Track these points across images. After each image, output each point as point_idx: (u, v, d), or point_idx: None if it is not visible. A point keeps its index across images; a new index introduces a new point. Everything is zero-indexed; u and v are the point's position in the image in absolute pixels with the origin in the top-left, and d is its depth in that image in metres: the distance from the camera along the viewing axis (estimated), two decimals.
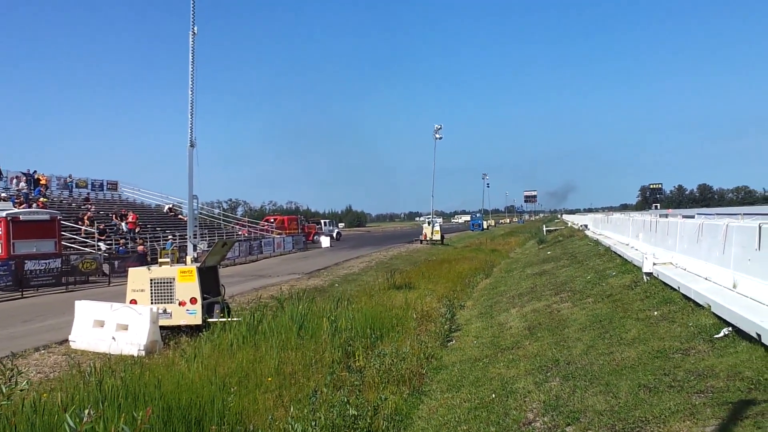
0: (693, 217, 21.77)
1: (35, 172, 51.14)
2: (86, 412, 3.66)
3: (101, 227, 43.70)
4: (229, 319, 17.90)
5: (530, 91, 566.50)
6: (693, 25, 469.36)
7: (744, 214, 22.86)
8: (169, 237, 46.58)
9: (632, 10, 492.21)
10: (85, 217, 44.66)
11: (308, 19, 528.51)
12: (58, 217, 36.60)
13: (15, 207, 38.27)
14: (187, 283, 18.42)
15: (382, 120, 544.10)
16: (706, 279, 13.88)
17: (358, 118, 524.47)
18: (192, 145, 20.28)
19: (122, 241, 42.52)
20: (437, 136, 68.57)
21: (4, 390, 4.13)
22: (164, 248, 38.25)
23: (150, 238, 46.60)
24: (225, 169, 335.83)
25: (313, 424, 8.72)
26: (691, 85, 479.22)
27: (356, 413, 9.28)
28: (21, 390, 4.41)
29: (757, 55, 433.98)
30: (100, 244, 40.88)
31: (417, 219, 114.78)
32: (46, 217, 35.68)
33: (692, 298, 12.64)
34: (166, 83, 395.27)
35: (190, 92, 20.40)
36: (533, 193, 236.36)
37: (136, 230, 44.39)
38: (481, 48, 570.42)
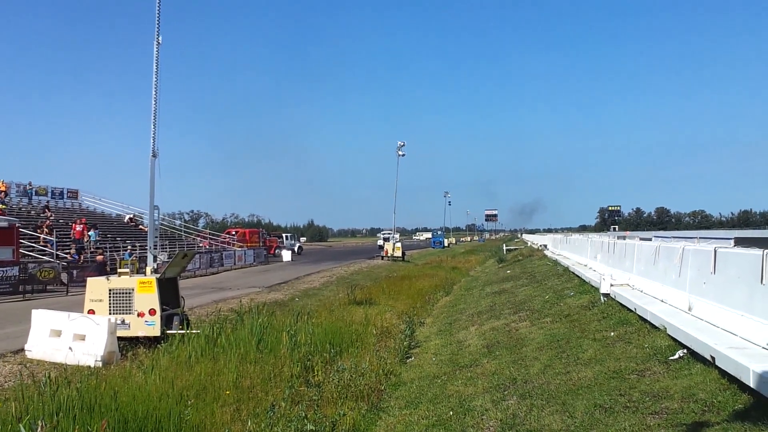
0: (650, 239, 22.07)
1: None
2: (39, 422, 3.66)
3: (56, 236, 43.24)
4: (188, 332, 17.78)
5: (491, 112, 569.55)
6: (652, 52, 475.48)
7: (700, 237, 23.23)
8: (129, 247, 46.18)
9: (593, 36, 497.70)
10: (44, 226, 44.16)
11: (273, 30, 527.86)
12: (17, 225, 36.19)
13: None
14: (146, 294, 18.28)
15: (345, 135, 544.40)
16: (662, 301, 14.06)
17: (321, 132, 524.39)
18: (154, 156, 20.17)
19: (71, 251, 41.86)
20: (400, 153, 68.85)
21: None
22: (123, 258, 37.95)
23: (110, 248, 46.18)
24: (187, 180, 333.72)
25: None
26: (649, 110, 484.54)
27: (314, 428, 9.29)
28: None
29: (715, 82, 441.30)
30: (59, 252, 40.48)
31: (378, 234, 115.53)
32: (5, 224, 35.26)
33: (648, 319, 12.81)
34: (130, 92, 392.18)
35: (154, 102, 20.31)
36: (494, 212, 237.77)
37: (84, 240, 43.52)
38: (445, 67, 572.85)
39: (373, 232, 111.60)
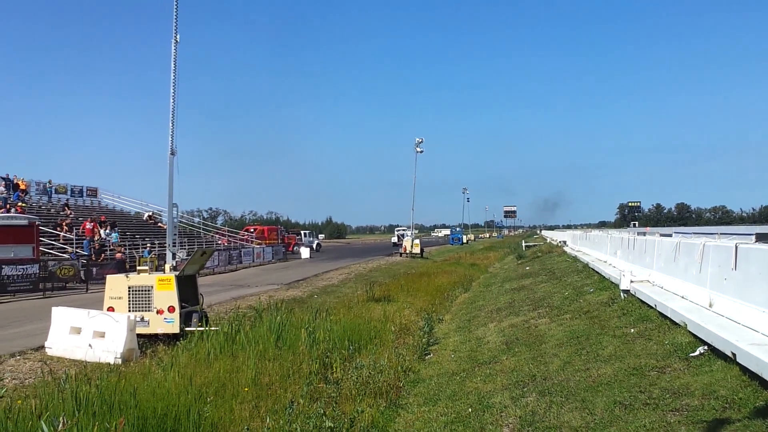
0: (671, 235, 21.93)
1: (14, 176, 50.82)
2: (60, 419, 3.66)
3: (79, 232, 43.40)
4: (207, 329, 17.82)
5: (512, 108, 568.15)
6: (674, 49, 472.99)
7: (721, 233, 22.99)
8: (148, 245, 46.37)
9: (615, 32, 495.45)
10: (64, 224, 44.39)
11: (303, 27, 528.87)
12: (37, 223, 36.41)
13: None
14: (165, 291, 18.34)
15: (363, 132, 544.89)
16: (682, 297, 13.96)
17: (339, 129, 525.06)
18: (173, 153, 20.23)
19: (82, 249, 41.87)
20: (418, 149, 68.52)
21: None
22: (143, 256, 38.15)
23: (129, 245, 46.40)
24: (205, 178, 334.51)
25: None
26: (672, 107, 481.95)
27: (332, 425, 9.28)
28: (1, 397, 4.38)
29: (737, 80, 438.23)
30: (78, 250, 40.64)
31: (395, 231, 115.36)
32: (25, 222, 35.49)
33: (669, 316, 12.72)
34: (149, 90, 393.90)
35: (172, 100, 20.36)
36: (513, 209, 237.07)
37: (95, 238, 43.56)
38: (465, 63, 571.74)
39: (392, 229, 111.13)
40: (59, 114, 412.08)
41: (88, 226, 44.18)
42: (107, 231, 47.09)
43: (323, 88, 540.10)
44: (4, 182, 49.01)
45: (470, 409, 10.88)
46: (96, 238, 43.23)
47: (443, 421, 10.58)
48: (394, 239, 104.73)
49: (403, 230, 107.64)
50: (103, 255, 40.62)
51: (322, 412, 9.78)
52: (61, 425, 3.63)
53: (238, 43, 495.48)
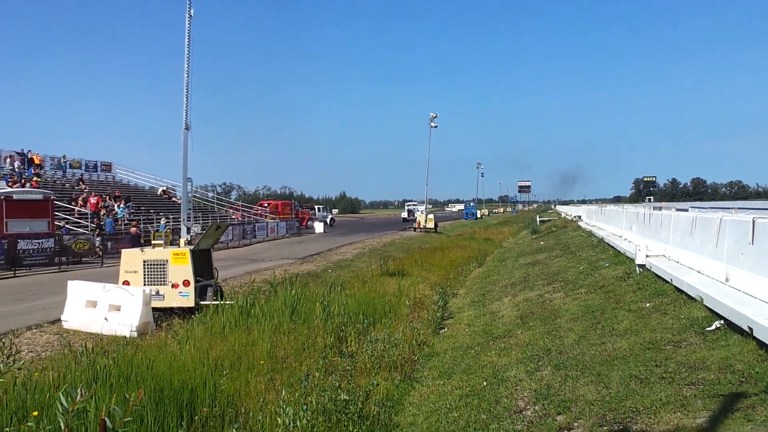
0: (687, 210, 21.79)
1: (29, 151, 50.97)
2: (79, 390, 3.65)
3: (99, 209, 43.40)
4: (222, 302, 17.89)
5: (527, 83, 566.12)
6: (690, 25, 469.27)
7: (738, 208, 22.85)
8: (162, 219, 46.47)
9: (631, 9, 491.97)
10: (79, 198, 44.50)
11: (310, 4, 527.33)
12: (52, 197, 36.53)
13: (8, 186, 38.18)
14: (180, 265, 18.41)
15: (379, 108, 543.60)
16: (698, 272, 13.90)
17: (356, 103, 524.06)
18: (187, 128, 20.26)
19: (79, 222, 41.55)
20: (433, 124, 68.16)
21: (1, 367, 4.13)
22: (157, 230, 38.24)
23: (143, 220, 46.53)
24: (220, 153, 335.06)
25: (305, 408, 8.71)
26: (687, 83, 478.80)
27: (348, 398, 9.28)
28: (18, 369, 4.42)
29: (753, 56, 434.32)
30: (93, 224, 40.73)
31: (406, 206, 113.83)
32: (40, 196, 35.63)
33: (684, 290, 12.67)
34: (163, 65, 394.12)
35: (186, 75, 20.35)
36: (527, 184, 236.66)
37: (101, 213, 43.40)
38: (480, 40, 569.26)
39: (405, 204, 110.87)
40: (74, 89, 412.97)
41: (92, 200, 44.12)
42: (121, 206, 47.22)
43: (339, 64, 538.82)
44: (18, 157, 49.16)
45: (485, 383, 10.89)
46: (102, 213, 43.18)
47: (458, 395, 10.61)
48: (404, 214, 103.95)
49: (414, 205, 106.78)
50: (100, 231, 40.13)
51: (337, 385, 9.78)
52: (78, 396, 3.61)
53: (253, 17, 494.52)
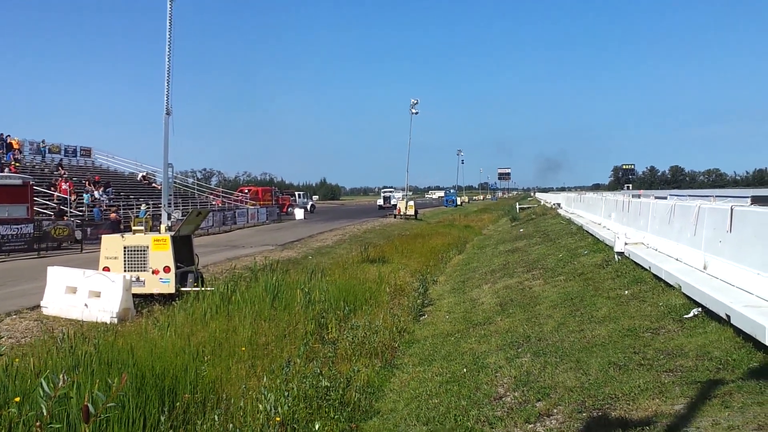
0: (665, 198, 21.92)
1: (8, 136, 50.52)
2: (61, 376, 3.67)
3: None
4: (203, 289, 17.88)
5: (507, 69, 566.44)
6: (669, 16, 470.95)
7: (716, 196, 23.04)
8: (143, 205, 46.26)
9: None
10: (59, 183, 44.15)
11: None
12: (31, 183, 36.28)
13: None
14: (160, 251, 18.37)
15: (359, 93, 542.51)
16: (677, 260, 14.02)
17: (336, 90, 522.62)
18: (168, 113, 20.18)
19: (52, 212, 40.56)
20: (413, 111, 68.07)
21: None
22: (137, 216, 38.08)
23: (123, 206, 46.31)
24: (200, 138, 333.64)
25: (286, 394, 8.74)
26: (666, 70, 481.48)
27: (329, 384, 9.33)
28: (0, 355, 4.42)
29: (731, 46, 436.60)
30: (72, 210, 40.42)
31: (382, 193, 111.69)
32: (19, 181, 35.37)
33: (663, 278, 12.78)
34: (145, 49, 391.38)
35: (167, 59, 20.26)
36: (507, 171, 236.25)
37: (72, 198, 42.89)
38: (462, 24, 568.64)
39: (381, 191, 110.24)
40: (54, 73, 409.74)
41: (64, 186, 43.57)
42: (100, 192, 46.92)
43: (319, 48, 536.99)
44: None
45: (465, 370, 10.95)
46: (72, 198, 42.65)
47: (438, 381, 10.66)
48: (380, 201, 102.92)
49: (390, 192, 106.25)
50: (64, 217, 39.49)
51: (318, 371, 9.82)
52: (60, 383, 3.63)
53: (232, 4, 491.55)
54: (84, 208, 42.66)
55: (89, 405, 3.49)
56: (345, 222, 59.15)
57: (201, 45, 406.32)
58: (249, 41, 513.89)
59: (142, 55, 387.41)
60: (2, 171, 39.90)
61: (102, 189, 47.76)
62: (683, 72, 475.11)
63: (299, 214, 69.31)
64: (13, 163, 45.42)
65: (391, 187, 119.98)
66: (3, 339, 13.53)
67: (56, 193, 42.32)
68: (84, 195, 44.09)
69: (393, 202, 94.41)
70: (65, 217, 37.92)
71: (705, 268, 12.42)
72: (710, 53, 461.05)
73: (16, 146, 50.52)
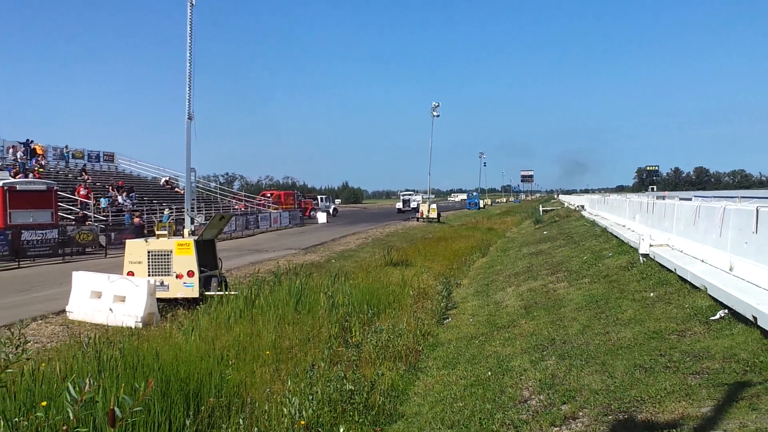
0: (690, 199, 21.80)
1: (32, 141, 50.92)
2: (87, 380, 3.67)
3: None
4: (227, 293, 17.92)
5: (529, 72, 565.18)
6: (694, 13, 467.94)
7: (741, 197, 22.90)
8: (166, 209, 46.46)
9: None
10: (78, 189, 44.34)
11: None
12: (55, 188, 36.52)
13: (11, 177, 38.13)
14: (184, 256, 18.43)
15: (380, 96, 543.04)
16: (702, 261, 13.91)
17: (358, 93, 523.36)
18: (190, 118, 20.24)
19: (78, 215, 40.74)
20: (435, 113, 67.82)
21: (11, 357, 4.15)
22: (161, 221, 38.27)
23: (146, 210, 46.55)
24: (222, 142, 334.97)
25: (310, 398, 8.75)
26: (689, 71, 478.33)
27: (353, 388, 9.33)
28: (27, 359, 4.45)
29: (755, 44, 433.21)
30: (96, 215, 40.61)
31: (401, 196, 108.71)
32: (43, 187, 35.59)
33: (688, 280, 12.69)
34: (166, 54, 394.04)
35: (188, 64, 20.32)
36: (530, 173, 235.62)
37: (92, 203, 42.81)
38: (483, 26, 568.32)
39: (401, 194, 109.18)
40: (76, 79, 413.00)
41: (82, 192, 43.70)
42: (123, 197, 47.18)
43: (340, 50, 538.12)
44: (22, 147, 49.14)
45: (490, 373, 10.92)
46: (92, 203, 42.74)
47: (463, 385, 10.64)
48: (399, 205, 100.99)
49: (409, 195, 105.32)
50: (87, 222, 39.64)
51: (342, 375, 9.83)
52: (87, 387, 3.64)
53: (254, 3, 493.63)
54: (108, 213, 42.83)
55: (116, 409, 3.50)
56: (367, 225, 59.12)
57: (223, 49, 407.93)
58: (272, 44, 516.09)
59: (166, 59, 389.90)
60: (27, 177, 40.16)
61: (125, 194, 48.02)
62: (707, 70, 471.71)
63: (322, 217, 69.33)
64: (37, 168, 45.75)
65: (412, 191, 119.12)
66: (29, 344, 13.62)
67: (79, 199, 42.50)
68: (101, 199, 44.13)
69: (413, 205, 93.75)
70: (87, 222, 38.16)
71: (731, 269, 12.31)
72: (734, 50, 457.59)
73: (40, 152, 50.89)
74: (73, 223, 37.83)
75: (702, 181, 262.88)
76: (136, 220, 40.35)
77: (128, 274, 18.13)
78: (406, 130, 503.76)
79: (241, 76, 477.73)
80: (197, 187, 45.00)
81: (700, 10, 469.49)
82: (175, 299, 18.50)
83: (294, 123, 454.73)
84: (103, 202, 44.06)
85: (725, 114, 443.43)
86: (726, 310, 10.16)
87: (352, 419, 8.86)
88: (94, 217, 40.52)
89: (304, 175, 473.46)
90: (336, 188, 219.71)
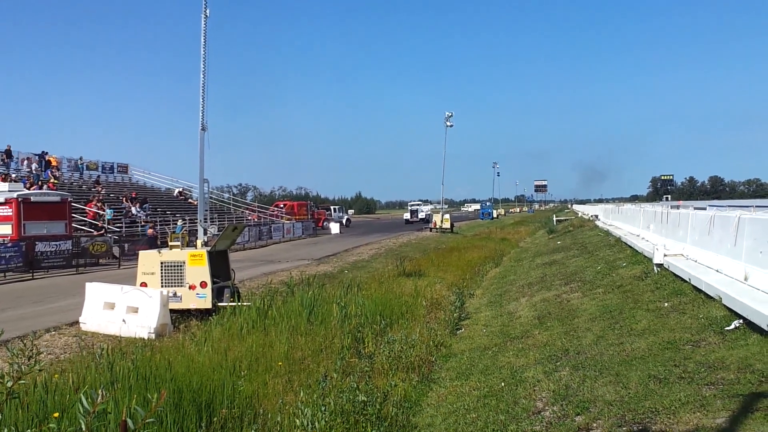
0: (704, 208, 21.69)
1: (46, 153, 51.20)
2: (100, 391, 3.67)
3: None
4: (239, 304, 17.92)
5: (543, 80, 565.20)
6: (706, 17, 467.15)
7: (756, 206, 22.79)
8: (179, 220, 46.58)
9: (644, 6, 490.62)
10: (96, 200, 44.52)
11: (322, 6, 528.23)
12: (69, 199, 36.68)
13: (26, 188, 38.33)
14: (197, 266, 18.46)
15: (394, 107, 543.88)
16: (717, 271, 13.83)
17: (371, 103, 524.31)
18: (203, 129, 20.29)
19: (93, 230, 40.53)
20: (448, 123, 67.79)
21: (24, 368, 4.14)
22: (174, 232, 38.41)
23: (160, 221, 46.68)
24: (235, 153, 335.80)
25: (323, 409, 8.74)
26: (702, 78, 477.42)
27: (366, 399, 9.30)
28: (39, 370, 4.44)
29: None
30: (110, 226, 40.74)
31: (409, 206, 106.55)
32: (57, 198, 35.80)
33: (703, 289, 12.61)
34: (180, 65, 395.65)
35: (202, 76, 20.40)
36: (543, 183, 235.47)
37: (100, 214, 42.78)
38: (496, 35, 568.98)
39: (409, 205, 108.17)
40: (91, 91, 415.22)
41: (94, 206, 43.62)
42: (137, 208, 47.34)
43: (353, 60, 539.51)
44: (36, 159, 49.40)
45: (503, 384, 10.87)
46: (101, 214, 42.70)
47: (476, 396, 10.60)
48: (407, 215, 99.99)
49: (417, 205, 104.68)
50: (104, 232, 39.65)
51: (355, 386, 9.80)
52: (99, 398, 3.63)
53: (266, 15, 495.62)
54: (122, 225, 42.94)
55: (128, 420, 3.49)
56: (380, 236, 59.14)
57: (237, 59, 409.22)
58: (286, 54, 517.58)
59: (179, 70, 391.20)
60: (41, 188, 40.34)
61: (139, 205, 48.18)
62: (721, 78, 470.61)
63: (335, 228, 69.43)
64: (51, 180, 45.96)
65: (422, 201, 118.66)
66: (42, 354, 13.68)
67: (94, 211, 42.56)
68: (107, 210, 44.07)
69: (420, 215, 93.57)
70: (104, 232, 38.30)
71: (746, 279, 12.24)
72: (751, 58, 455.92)
73: (54, 163, 51.19)
74: (93, 234, 37.97)
75: (717, 190, 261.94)
76: (150, 231, 40.45)
77: (141, 285, 18.16)
78: (419, 140, 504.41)
79: (256, 87, 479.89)
80: (210, 198, 45.02)
81: (710, 14, 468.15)
82: (188, 310, 18.51)
83: (307, 133, 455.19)
84: (108, 214, 43.97)
85: (741, 122, 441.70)
86: (741, 320, 10.09)
87: (365, 430, 8.83)
88: (107, 227, 40.60)
89: (317, 185, 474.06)
90: (349, 199, 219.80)
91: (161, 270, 18.55)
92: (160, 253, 18.99)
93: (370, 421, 9.00)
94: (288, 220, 65.27)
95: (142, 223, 44.36)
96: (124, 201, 48.31)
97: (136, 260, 19.59)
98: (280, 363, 12.17)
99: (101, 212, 42.33)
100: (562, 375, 10.42)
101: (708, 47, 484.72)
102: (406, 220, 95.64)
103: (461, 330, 16.87)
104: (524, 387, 10.38)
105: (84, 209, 42.14)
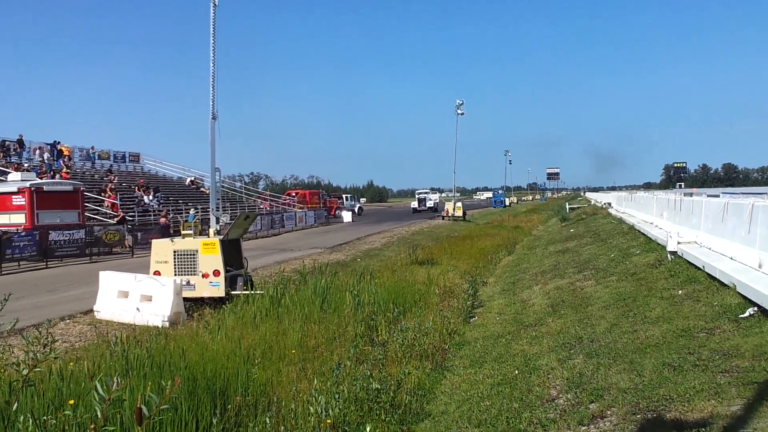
0: (718, 196, 21.59)
1: (58, 143, 51.41)
2: (115, 379, 3.68)
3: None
4: (252, 292, 17.94)
5: (556, 69, 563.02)
6: (719, 6, 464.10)
7: None
8: (191, 209, 46.69)
9: None
10: (108, 189, 44.70)
11: None
12: (82, 188, 36.81)
13: (39, 178, 38.49)
14: (210, 255, 18.50)
15: (405, 95, 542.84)
16: (731, 258, 13.77)
17: (382, 91, 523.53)
18: (214, 118, 20.28)
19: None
20: (459, 111, 67.52)
21: (39, 356, 4.18)
22: (186, 220, 38.47)
23: (172, 210, 46.81)
24: (247, 142, 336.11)
25: (337, 396, 8.75)
26: (716, 66, 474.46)
27: (379, 387, 9.30)
28: (55, 358, 4.47)
29: None
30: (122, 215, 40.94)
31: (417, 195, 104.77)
32: (70, 188, 35.96)
33: (717, 277, 12.57)
34: (190, 55, 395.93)
35: (212, 65, 20.37)
36: (556, 170, 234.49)
37: (107, 204, 43.02)
38: (506, 24, 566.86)
39: (433, 193, 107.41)
40: (102, 81, 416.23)
41: (109, 194, 43.79)
42: (149, 197, 47.48)
43: (364, 48, 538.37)
44: (48, 148, 49.58)
45: (517, 371, 10.86)
46: (107, 204, 42.92)
47: (490, 383, 10.59)
48: (414, 204, 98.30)
49: (425, 193, 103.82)
50: (125, 222, 39.90)
51: (368, 374, 9.80)
52: (114, 386, 3.65)
53: (274, 3, 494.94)
54: (134, 213, 43.11)
55: (143, 407, 3.50)
56: (393, 224, 59.15)
57: (245, 47, 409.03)
58: (293, 42, 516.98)
59: (190, 59, 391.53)
60: (54, 178, 40.51)
61: (151, 194, 48.32)
62: (736, 65, 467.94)
63: (347, 216, 69.47)
64: (64, 169, 46.17)
65: (434, 189, 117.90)
66: (57, 343, 13.73)
67: (107, 199, 42.76)
68: (146, 199, 44.31)
69: (429, 204, 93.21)
70: (123, 219, 38.52)
71: (760, 266, 12.18)
72: (763, 45, 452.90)
73: (66, 153, 51.44)
74: (113, 223, 38.18)
75: (730, 178, 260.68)
76: (163, 220, 40.59)
77: (155, 273, 18.22)
78: (431, 128, 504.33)
79: (268, 76, 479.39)
80: (222, 186, 45.05)
81: (731, 8, 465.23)
82: (202, 298, 18.57)
83: (319, 122, 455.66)
84: (148, 202, 44.31)
85: (755, 110, 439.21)
86: (756, 308, 10.05)
87: (379, 418, 8.83)
88: (124, 215, 40.77)
89: (329, 174, 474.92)
90: (361, 187, 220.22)
91: (174, 258, 18.60)
92: (173, 241, 19.04)
93: (384, 409, 9.01)
94: (300, 208, 65.39)
95: (155, 212, 44.49)
96: (136, 190, 48.42)
97: (149, 249, 19.64)
98: (293, 351, 12.18)
99: (115, 201, 42.51)
100: (575, 363, 10.40)
101: (722, 36, 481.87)
102: (414, 209, 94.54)
103: (474, 318, 16.86)
104: (538, 375, 10.36)
105: (96, 198, 42.32)
